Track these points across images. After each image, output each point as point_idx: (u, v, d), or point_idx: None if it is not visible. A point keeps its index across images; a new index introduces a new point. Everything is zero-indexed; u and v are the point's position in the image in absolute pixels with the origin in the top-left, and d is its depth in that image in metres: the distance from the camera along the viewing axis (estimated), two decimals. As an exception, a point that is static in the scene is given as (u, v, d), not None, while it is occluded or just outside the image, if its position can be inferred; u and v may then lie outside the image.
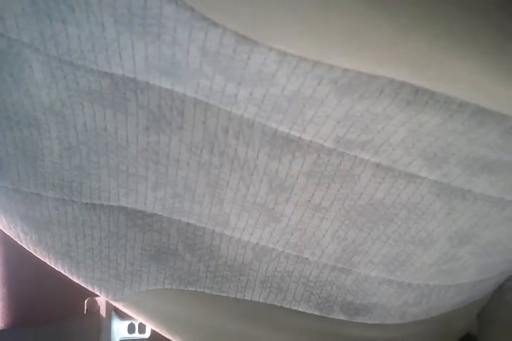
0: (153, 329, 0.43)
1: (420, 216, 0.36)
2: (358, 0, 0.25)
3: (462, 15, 0.25)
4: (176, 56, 0.29)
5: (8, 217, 0.37)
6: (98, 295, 0.42)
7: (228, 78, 0.29)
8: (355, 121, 0.30)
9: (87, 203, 0.37)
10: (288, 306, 0.42)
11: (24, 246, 0.39)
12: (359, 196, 0.35)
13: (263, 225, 0.38)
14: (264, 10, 0.25)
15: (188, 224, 0.39)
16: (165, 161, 0.35)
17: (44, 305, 0.53)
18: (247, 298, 0.42)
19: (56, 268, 0.40)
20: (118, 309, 0.44)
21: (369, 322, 0.43)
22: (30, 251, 0.39)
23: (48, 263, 0.39)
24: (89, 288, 0.40)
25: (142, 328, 0.55)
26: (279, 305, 0.42)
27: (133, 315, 0.42)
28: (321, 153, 0.33)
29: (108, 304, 0.53)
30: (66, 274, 0.40)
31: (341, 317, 0.43)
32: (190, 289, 0.41)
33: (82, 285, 0.40)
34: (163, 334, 0.43)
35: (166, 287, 0.41)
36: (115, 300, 0.41)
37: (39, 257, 0.39)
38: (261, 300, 0.42)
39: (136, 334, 0.55)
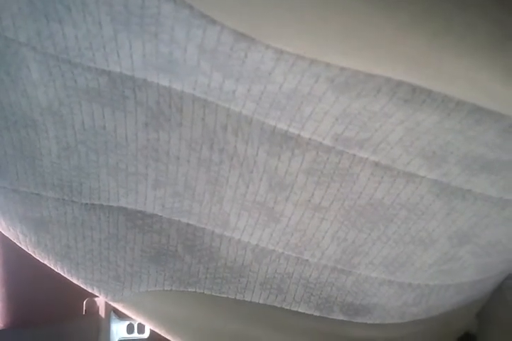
0: (153, 329, 0.43)
1: (420, 216, 0.36)
2: None
3: (460, 12, 0.25)
4: (173, 54, 0.29)
5: (7, 219, 0.37)
6: (97, 296, 0.42)
7: (226, 75, 0.29)
8: (353, 118, 0.30)
9: (87, 203, 0.37)
10: (288, 307, 0.42)
11: (23, 247, 0.39)
12: (358, 196, 0.35)
13: (263, 225, 0.38)
14: (263, 8, 0.25)
15: (187, 224, 0.39)
16: (165, 158, 0.35)
17: (43, 305, 0.53)
18: (247, 299, 0.42)
19: (55, 270, 0.40)
20: (117, 309, 0.44)
21: (369, 322, 0.43)
22: (30, 252, 0.39)
23: (48, 265, 0.39)
24: (89, 290, 0.40)
25: (141, 328, 0.55)
26: (279, 306, 0.42)
27: (132, 316, 0.42)
28: (319, 150, 0.33)
29: (107, 304, 0.53)
30: (65, 276, 0.40)
31: (341, 317, 0.43)
32: (189, 290, 0.41)
33: (82, 286, 0.40)
34: (162, 335, 0.43)
35: (165, 288, 0.41)
36: (115, 301, 0.41)
37: (38, 258, 0.39)
38: (261, 302, 0.42)
39: (135, 335, 0.55)
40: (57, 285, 0.49)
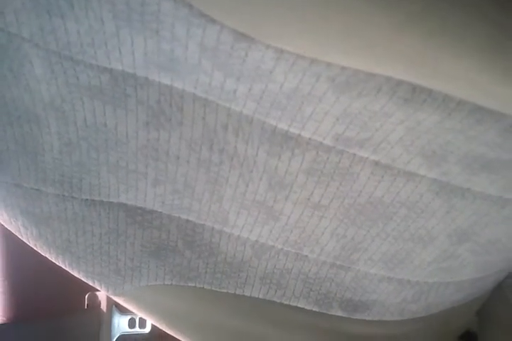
0: (154, 324, 0.43)
1: (419, 214, 0.36)
2: None
3: (457, 12, 0.25)
4: (174, 51, 0.29)
5: (9, 212, 0.37)
6: (99, 290, 0.43)
7: (227, 74, 0.29)
8: (353, 118, 0.30)
9: (87, 199, 0.37)
10: (287, 302, 0.42)
11: (25, 240, 0.39)
12: (358, 194, 0.35)
13: (262, 223, 0.38)
14: (263, 8, 0.25)
15: (187, 221, 0.39)
16: (164, 158, 0.35)
17: (45, 299, 0.53)
18: (247, 294, 0.42)
19: (57, 263, 0.40)
20: (119, 304, 0.45)
21: (368, 318, 0.43)
22: (31, 245, 0.39)
23: (49, 258, 0.40)
24: (90, 283, 0.40)
25: (143, 323, 0.55)
26: (278, 301, 0.42)
27: (133, 310, 0.42)
28: (320, 150, 0.33)
29: (109, 299, 0.54)
30: (67, 269, 0.40)
31: (340, 313, 0.43)
32: (190, 285, 0.41)
33: (83, 280, 0.40)
34: (163, 329, 0.43)
35: (166, 282, 0.41)
36: (115, 295, 0.41)
37: (40, 252, 0.39)
38: (260, 296, 0.42)
39: (137, 329, 0.55)
40: (59, 280, 0.49)
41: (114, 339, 0.55)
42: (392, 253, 0.38)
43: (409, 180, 0.34)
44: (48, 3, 0.28)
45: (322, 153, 0.33)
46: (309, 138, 0.32)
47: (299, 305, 0.42)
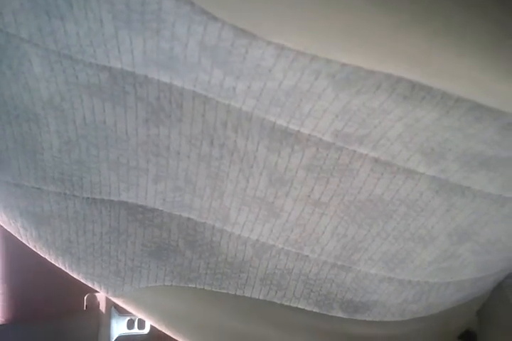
0: (153, 325, 0.43)
1: (419, 212, 0.36)
2: None
3: (461, 12, 0.25)
4: (174, 50, 0.29)
5: (8, 213, 0.37)
6: (98, 291, 0.42)
7: (226, 72, 0.29)
8: (352, 115, 0.30)
9: (88, 198, 0.37)
10: (288, 303, 0.42)
11: (24, 241, 0.39)
12: (358, 191, 0.35)
13: (263, 220, 0.38)
14: (264, 4, 0.25)
15: (188, 219, 0.39)
16: (165, 153, 0.35)
17: (44, 300, 0.53)
18: (247, 294, 0.42)
19: (57, 265, 0.40)
20: (117, 305, 0.44)
21: (368, 319, 0.43)
22: (30, 247, 0.39)
23: (48, 260, 0.39)
24: (90, 285, 0.40)
25: (141, 324, 0.55)
26: (278, 302, 0.42)
27: (133, 312, 0.42)
28: (319, 146, 0.33)
29: (108, 300, 0.54)
30: (66, 270, 0.40)
31: (340, 314, 0.43)
32: (190, 286, 0.41)
33: (82, 281, 0.40)
34: (162, 331, 0.43)
35: (166, 283, 0.41)
36: (115, 296, 0.41)
37: (39, 253, 0.39)
38: (261, 297, 0.42)
39: (136, 330, 0.55)
40: (58, 281, 0.49)
41: (113, 340, 0.54)
42: (392, 253, 0.38)
43: (409, 177, 0.34)
44: (46, 3, 0.28)
45: (322, 150, 0.33)
46: (309, 135, 0.32)
47: (300, 306, 0.42)
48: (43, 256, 0.40)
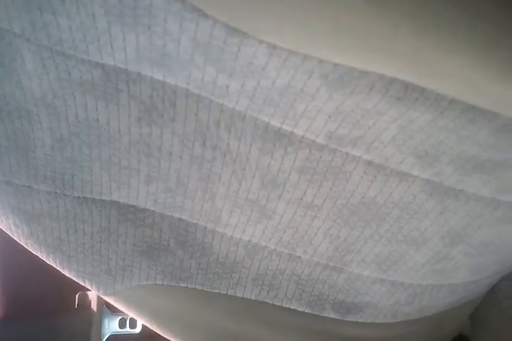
0: (144, 324, 0.43)
1: (412, 215, 0.36)
2: None
3: (453, 9, 0.25)
4: (167, 46, 0.29)
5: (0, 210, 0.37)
6: (89, 290, 0.42)
7: (219, 69, 0.29)
8: (346, 116, 0.30)
9: (79, 197, 0.37)
10: (279, 303, 0.42)
11: (15, 238, 0.39)
12: (351, 194, 0.35)
13: (255, 222, 0.37)
14: (255, 3, 0.25)
15: (180, 219, 0.39)
16: (157, 154, 0.35)
17: (36, 299, 0.53)
18: (239, 294, 0.42)
19: (48, 262, 0.40)
20: (109, 304, 0.44)
21: (360, 320, 0.43)
22: (22, 243, 0.39)
23: (40, 257, 0.39)
24: (81, 282, 0.40)
25: (133, 323, 0.55)
26: (270, 302, 0.42)
27: (124, 310, 0.42)
28: (312, 148, 0.32)
29: (99, 299, 0.54)
30: (58, 268, 0.40)
31: (332, 315, 0.43)
32: (181, 285, 0.41)
33: (74, 279, 0.40)
34: (153, 330, 0.43)
35: (157, 282, 0.41)
36: (106, 294, 0.41)
37: (31, 250, 0.39)
38: (252, 297, 0.42)
39: (127, 329, 0.55)
40: (50, 279, 0.49)
41: (105, 339, 0.54)
42: (385, 254, 0.38)
43: (402, 180, 0.33)
44: None
45: (315, 152, 0.33)
46: (302, 136, 0.32)
47: (292, 307, 0.42)
48: (34, 253, 0.39)
